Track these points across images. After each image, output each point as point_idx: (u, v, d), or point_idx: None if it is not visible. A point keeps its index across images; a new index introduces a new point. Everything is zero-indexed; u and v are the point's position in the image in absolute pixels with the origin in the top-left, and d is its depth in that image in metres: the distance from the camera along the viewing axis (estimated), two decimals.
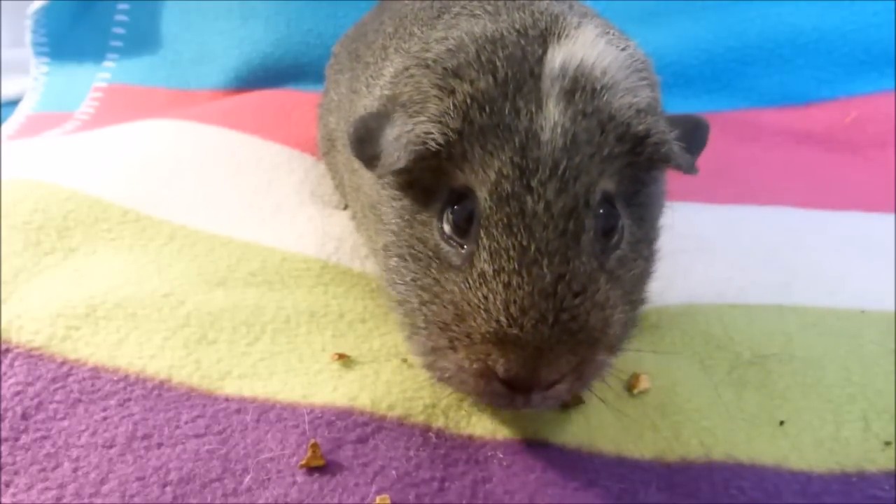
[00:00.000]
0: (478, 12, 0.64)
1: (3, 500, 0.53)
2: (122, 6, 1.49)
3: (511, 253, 0.49)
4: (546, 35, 0.57)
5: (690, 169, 0.58)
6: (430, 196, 0.57)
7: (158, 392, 0.63)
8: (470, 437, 0.61)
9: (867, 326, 0.76)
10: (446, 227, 0.55)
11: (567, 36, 0.57)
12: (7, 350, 0.65)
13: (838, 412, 0.64)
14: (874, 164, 1.21)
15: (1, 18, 1.56)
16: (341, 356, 0.68)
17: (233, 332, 0.70)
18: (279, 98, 1.32)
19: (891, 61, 1.33)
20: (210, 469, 0.56)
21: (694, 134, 0.61)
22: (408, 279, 0.57)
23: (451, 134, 0.53)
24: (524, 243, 0.49)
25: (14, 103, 1.45)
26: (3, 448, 0.57)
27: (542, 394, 0.50)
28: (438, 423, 0.62)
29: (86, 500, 0.54)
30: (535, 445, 0.60)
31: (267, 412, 0.62)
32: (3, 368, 0.63)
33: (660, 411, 0.63)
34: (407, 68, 0.62)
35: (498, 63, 0.55)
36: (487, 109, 0.53)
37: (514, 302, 0.48)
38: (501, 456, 0.59)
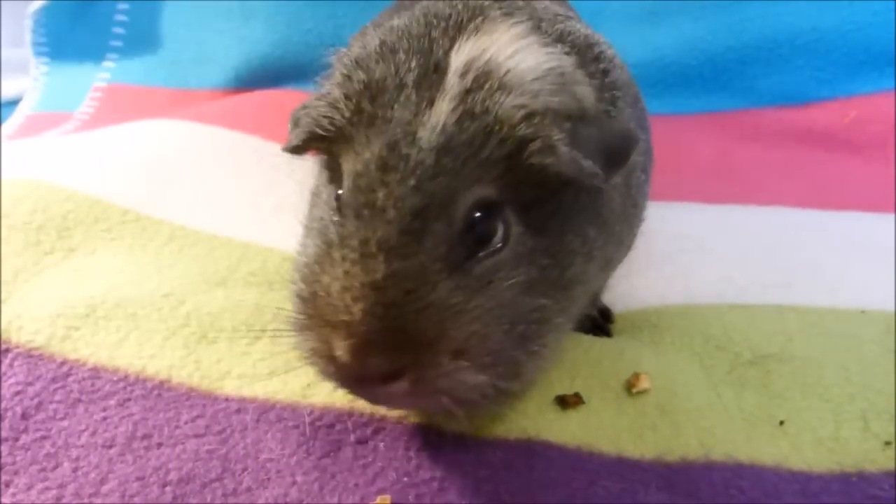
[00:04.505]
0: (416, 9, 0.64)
1: (3, 500, 0.53)
2: (122, 6, 1.49)
3: (354, 243, 0.50)
4: (461, 28, 0.56)
5: (589, 180, 0.53)
6: (336, 175, 0.58)
7: (158, 392, 0.63)
8: (470, 438, 0.61)
9: (867, 326, 0.76)
10: (334, 208, 0.55)
11: (482, 31, 0.56)
12: (7, 350, 0.65)
13: (838, 412, 0.64)
14: (874, 164, 1.21)
15: (1, 18, 1.56)
16: None
17: (233, 332, 0.70)
18: (279, 98, 1.32)
19: (891, 61, 1.33)
20: (210, 469, 0.57)
21: (615, 147, 0.56)
22: (301, 255, 0.58)
23: (339, 119, 0.54)
24: (367, 235, 0.49)
25: (14, 103, 1.45)
26: (3, 448, 0.57)
27: (382, 389, 0.50)
28: (438, 423, 0.62)
29: (86, 500, 0.54)
30: (535, 445, 0.60)
31: (267, 412, 0.62)
32: (4, 368, 0.63)
33: (660, 411, 0.63)
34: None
35: (400, 54, 0.55)
36: (378, 99, 0.53)
37: (349, 290, 0.49)
38: (501, 456, 0.59)
